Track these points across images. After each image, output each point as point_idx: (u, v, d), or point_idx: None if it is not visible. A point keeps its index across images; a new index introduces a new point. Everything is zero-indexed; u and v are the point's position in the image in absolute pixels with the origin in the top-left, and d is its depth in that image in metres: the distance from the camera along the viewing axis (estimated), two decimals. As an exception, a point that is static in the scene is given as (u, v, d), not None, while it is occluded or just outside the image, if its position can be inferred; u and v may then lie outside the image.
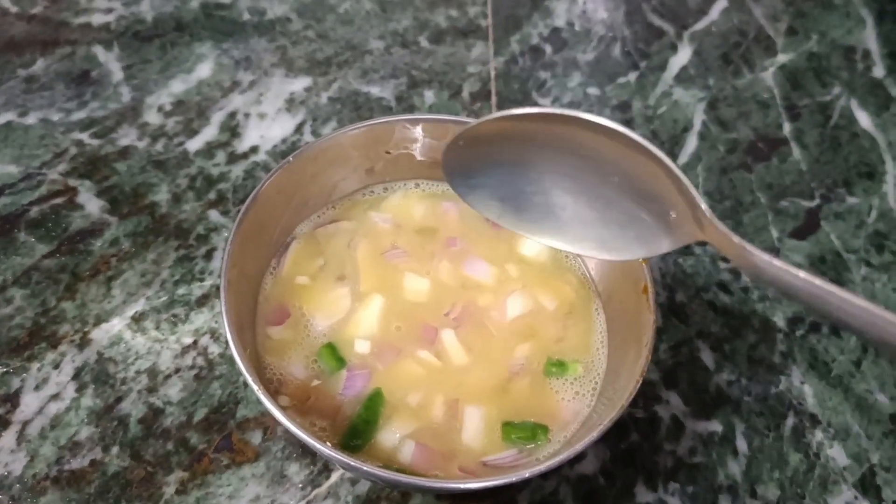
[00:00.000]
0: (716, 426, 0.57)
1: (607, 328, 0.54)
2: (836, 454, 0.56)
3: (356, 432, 0.48)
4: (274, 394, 0.48)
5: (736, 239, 0.42)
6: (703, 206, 0.42)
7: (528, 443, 0.49)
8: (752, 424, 0.57)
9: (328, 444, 0.42)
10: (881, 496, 0.55)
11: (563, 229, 0.51)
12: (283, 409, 0.42)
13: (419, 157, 0.57)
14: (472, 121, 0.47)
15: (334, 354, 0.50)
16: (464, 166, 0.50)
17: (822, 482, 0.55)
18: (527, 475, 0.42)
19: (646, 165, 0.43)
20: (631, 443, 0.55)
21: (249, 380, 0.42)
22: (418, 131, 0.55)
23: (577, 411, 0.50)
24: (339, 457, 0.41)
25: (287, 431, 0.52)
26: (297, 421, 0.42)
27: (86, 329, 0.56)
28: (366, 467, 0.41)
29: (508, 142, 0.47)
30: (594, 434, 0.43)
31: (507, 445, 0.49)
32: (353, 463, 0.41)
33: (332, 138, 0.53)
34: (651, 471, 0.54)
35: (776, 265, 0.39)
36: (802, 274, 0.38)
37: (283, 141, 0.68)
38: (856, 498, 0.55)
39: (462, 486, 0.43)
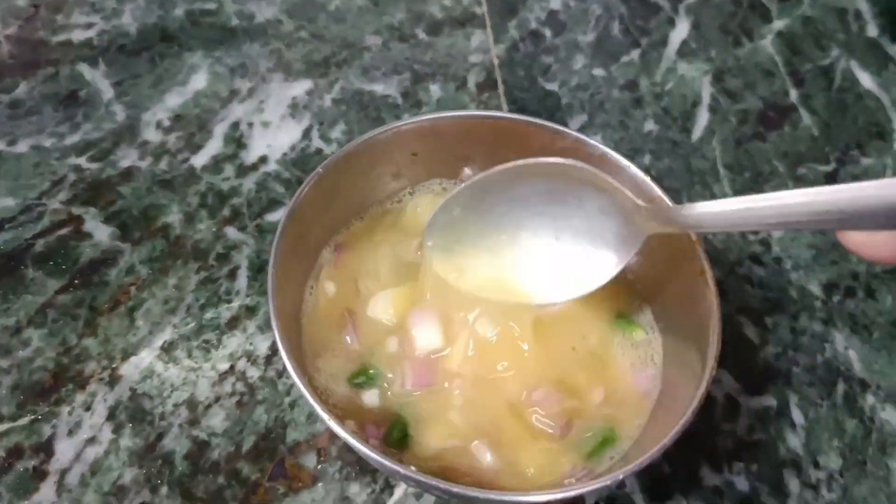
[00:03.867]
0: (770, 401, 0.56)
1: (659, 326, 0.53)
2: (890, 417, 0.56)
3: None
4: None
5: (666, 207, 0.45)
6: (630, 195, 0.44)
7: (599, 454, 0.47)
8: (805, 395, 0.56)
9: (412, 468, 0.40)
10: (939, 454, 0.55)
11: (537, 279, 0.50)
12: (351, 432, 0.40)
13: (447, 156, 0.55)
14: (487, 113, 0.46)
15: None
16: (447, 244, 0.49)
17: (880, 446, 0.55)
18: (608, 482, 0.41)
19: (592, 187, 0.45)
20: (689, 427, 0.54)
21: (325, 417, 0.40)
22: (444, 130, 0.54)
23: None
24: (400, 470, 0.39)
25: (344, 450, 0.50)
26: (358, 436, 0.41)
27: (114, 365, 0.53)
28: (427, 479, 0.39)
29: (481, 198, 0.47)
30: (670, 436, 0.41)
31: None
32: (411, 475, 0.39)
33: (362, 142, 0.51)
34: (713, 453, 0.54)
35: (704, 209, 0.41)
36: (730, 204, 0.39)
37: (292, 148, 0.65)
38: (915, 459, 0.55)
39: (537, 499, 0.41)
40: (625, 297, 0.54)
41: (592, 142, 0.52)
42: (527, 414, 0.48)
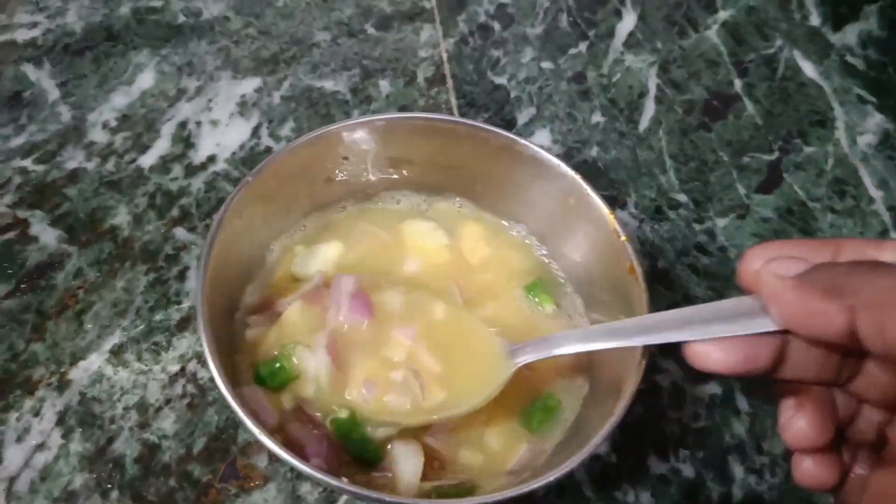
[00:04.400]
0: (715, 388, 0.58)
1: (589, 316, 0.54)
2: (831, 400, 0.58)
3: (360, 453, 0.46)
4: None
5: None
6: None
7: (547, 424, 0.48)
8: (749, 382, 0.58)
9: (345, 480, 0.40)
10: (877, 436, 0.57)
11: None
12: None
13: (378, 159, 0.56)
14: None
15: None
16: None
17: (820, 429, 0.56)
18: (553, 479, 0.41)
19: None
20: (636, 415, 0.56)
21: (256, 431, 0.40)
22: (367, 133, 0.54)
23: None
24: (343, 486, 0.39)
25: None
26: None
27: (62, 370, 0.53)
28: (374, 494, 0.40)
29: None
30: (596, 439, 0.42)
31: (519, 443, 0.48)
32: (357, 490, 0.39)
33: (289, 149, 0.51)
34: (660, 441, 0.55)
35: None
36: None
37: (241, 147, 0.65)
38: (854, 440, 0.56)
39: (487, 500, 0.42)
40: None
41: (523, 141, 0.52)
42: None
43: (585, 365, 0.51)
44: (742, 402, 0.57)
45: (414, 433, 0.46)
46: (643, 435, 0.55)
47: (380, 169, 0.56)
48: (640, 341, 0.41)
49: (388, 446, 0.46)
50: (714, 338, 0.34)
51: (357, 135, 0.53)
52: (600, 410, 0.46)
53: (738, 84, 0.76)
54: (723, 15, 0.81)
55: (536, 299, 0.54)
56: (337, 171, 0.55)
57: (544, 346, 0.44)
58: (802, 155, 0.71)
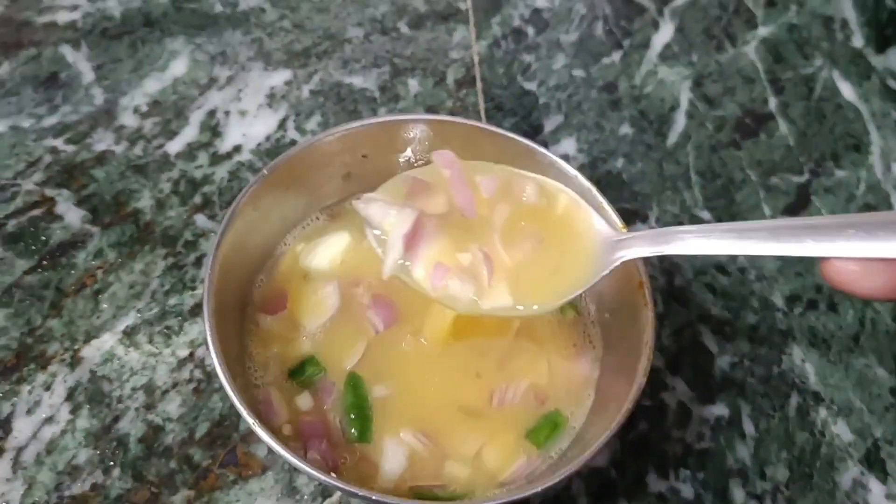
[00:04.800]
0: (722, 410, 0.57)
1: (600, 327, 0.54)
2: (841, 431, 0.57)
3: (356, 420, 0.47)
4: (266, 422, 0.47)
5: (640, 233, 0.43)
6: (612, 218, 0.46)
7: (554, 440, 0.48)
8: (758, 406, 0.57)
9: (332, 474, 0.41)
10: (886, 470, 0.55)
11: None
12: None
13: (396, 158, 0.56)
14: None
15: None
16: None
17: (828, 460, 0.56)
18: (539, 490, 0.41)
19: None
20: (640, 432, 0.55)
21: (252, 424, 0.41)
22: (387, 133, 0.54)
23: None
24: (339, 485, 0.40)
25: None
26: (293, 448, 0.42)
27: (76, 347, 0.54)
28: (362, 493, 0.40)
29: None
30: (590, 450, 0.42)
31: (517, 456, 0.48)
32: (353, 490, 0.40)
33: (305, 146, 0.52)
34: (661, 459, 0.54)
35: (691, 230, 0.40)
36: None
37: (267, 138, 0.66)
38: (862, 473, 0.55)
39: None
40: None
41: (542, 150, 0.52)
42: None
43: (593, 377, 0.51)
44: (749, 426, 0.56)
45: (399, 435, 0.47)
46: (645, 452, 0.54)
47: (399, 167, 0.56)
48: (771, 250, 0.36)
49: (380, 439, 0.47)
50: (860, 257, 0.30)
51: (377, 134, 0.54)
52: (604, 422, 0.45)
53: (773, 102, 0.75)
54: (763, 31, 0.80)
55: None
56: (356, 168, 0.55)
57: (657, 241, 0.41)
58: (833, 179, 0.70)
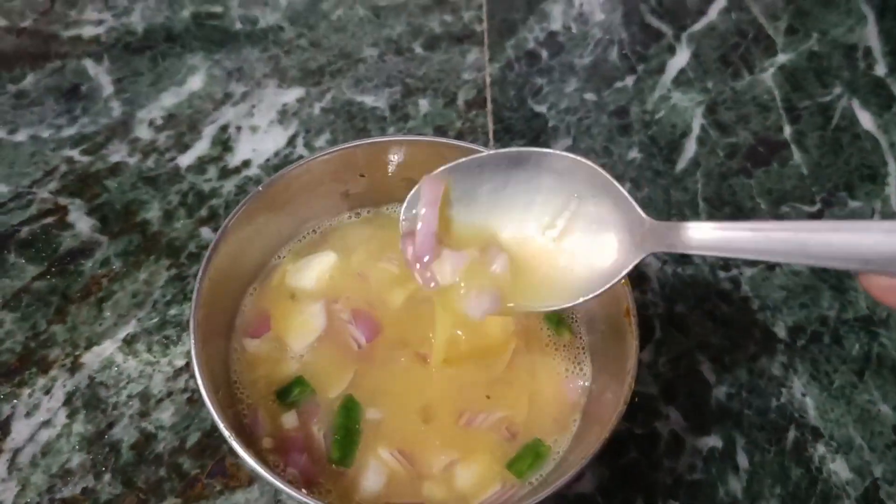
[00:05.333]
0: (716, 441, 0.56)
1: (590, 351, 0.53)
2: (839, 468, 0.56)
3: (341, 444, 0.48)
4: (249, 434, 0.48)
5: (669, 224, 0.41)
6: (638, 209, 0.42)
7: (535, 469, 0.48)
8: (753, 439, 0.56)
9: (303, 490, 0.42)
10: (885, 511, 0.54)
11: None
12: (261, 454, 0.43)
13: (394, 178, 0.56)
14: (427, 139, 0.46)
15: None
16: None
17: (824, 498, 0.54)
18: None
19: (593, 185, 0.44)
20: (630, 459, 0.55)
21: (231, 440, 0.42)
22: (391, 153, 0.55)
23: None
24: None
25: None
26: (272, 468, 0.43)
27: (77, 353, 0.56)
28: None
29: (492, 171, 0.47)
30: (564, 479, 0.42)
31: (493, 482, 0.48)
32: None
33: (302, 165, 0.52)
34: (650, 489, 0.54)
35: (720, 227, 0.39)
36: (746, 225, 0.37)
37: (276, 154, 0.67)
38: (859, 513, 0.54)
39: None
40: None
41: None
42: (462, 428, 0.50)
43: (580, 403, 0.51)
44: (742, 459, 0.55)
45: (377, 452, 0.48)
46: (634, 480, 0.54)
47: (396, 187, 0.57)
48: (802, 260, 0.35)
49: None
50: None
51: (375, 155, 0.55)
52: (587, 448, 0.45)
53: (787, 131, 0.74)
54: (781, 58, 0.79)
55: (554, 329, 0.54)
56: (353, 187, 0.56)
57: (678, 242, 0.39)
58: (846, 209, 0.69)
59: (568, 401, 0.52)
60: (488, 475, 0.48)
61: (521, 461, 0.49)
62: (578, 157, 0.43)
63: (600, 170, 0.43)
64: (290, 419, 0.49)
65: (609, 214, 0.43)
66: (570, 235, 0.46)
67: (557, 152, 0.44)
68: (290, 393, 0.49)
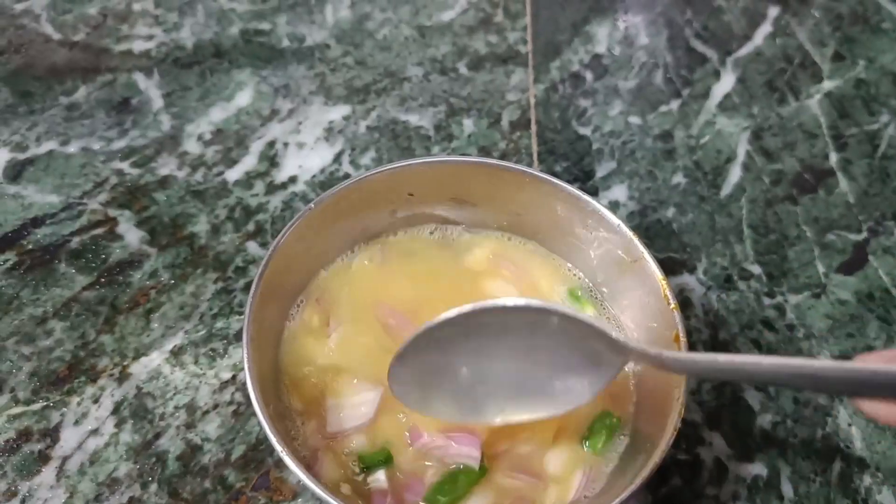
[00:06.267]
0: (760, 469, 0.55)
1: (637, 380, 0.53)
2: (886, 500, 0.55)
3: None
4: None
5: (653, 351, 0.43)
6: (614, 334, 0.43)
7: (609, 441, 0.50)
8: (798, 468, 0.56)
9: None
10: (933, 546, 0.53)
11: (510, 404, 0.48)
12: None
13: (442, 198, 0.57)
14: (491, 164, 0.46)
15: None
16: (410, 380, 0.47)
17: (871, 531, 0.54)
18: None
19: (558, 323, 0.44)
20: (672, 487, 0.54)
21: (280, 450, 0.43)
22: (434, 173, 0.55)
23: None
24: None
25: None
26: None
27: (125, 363, 0.56)
28: None
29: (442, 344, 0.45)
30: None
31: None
32: None
33: (354, 183, 0.53)
34: (694, 517, 0.53)
35: (698, 358, 0.42)
36: (722, 357, 0.39)
37: (322, 171, 0.68)
38: (906, 548, 0.53)
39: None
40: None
41: (586, 197, 0.53)
42: None
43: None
44: (787, 488, 0.55)
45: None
46: (677, 508, 0.54)
47: (444, 207, 0.57)
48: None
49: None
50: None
51: (424, 174, 0.55)
52: (633, 471, 0.45)
53: (833, 158, 0.73)
54: (828, 85, 0.79)
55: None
56: (401, 206, 0.56)
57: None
58: (893, 238, 0.68)
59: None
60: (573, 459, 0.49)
61: (598, 435, 0.50)
62: (524, 304, 0.43)
63: (558, 309, 0.43)
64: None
65: (582, 340, 0.44)
66: (544, 365, 0.46)
67: (505, 304, 0.43)
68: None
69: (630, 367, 0.52)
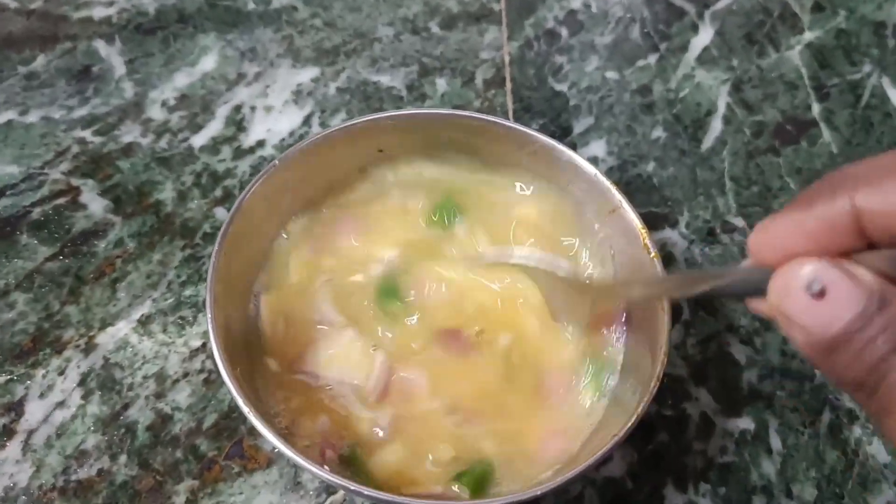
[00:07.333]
0: (748, 424, 0.54)
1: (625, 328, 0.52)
2: (876, 451, 0.54)
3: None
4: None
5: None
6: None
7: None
8: (787, 421, 0.55)
9: (326, 468, 0.40)
10: (924, 495, 0.52)
11: None
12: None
13: (414, 152, 0.55)
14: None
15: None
16: None
17: (861, 481, 0.53)
18: (539, 493, 0.40)
19: None
20: (659, 443, 0.53)
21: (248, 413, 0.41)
22: (404, 127, 0.53)
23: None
24: (340, 482, 0.39)
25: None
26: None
27: (91, 333, 0.54)
28: (367, 492, 0.39)
29: None
30: (590, 461, 0.41)
31: None
32: (353, 488, 0.39)
33: (321, 137, 0.51)
34: (681, 472, 0.52)
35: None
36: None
37: (291, 134, 0.66)
38: (898, 497, 0.52)
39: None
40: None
41: (561, 147, 0.51)
42: None
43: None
44: (776, 441, 0.53)
45: None
46: (664, 463, 0.52)
47: (415, 162, 0.55)
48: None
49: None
50: None
51: (394, 128, 0.53)
52: (615, 427, 0.44)
53: (816, 109, 0.72)
54: (808, 36, 0.77)
55: None
56: (371, 162, 0.54)
57: None
58: (878, 188, 0.67)
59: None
60: None
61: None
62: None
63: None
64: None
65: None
66: None
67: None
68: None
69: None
